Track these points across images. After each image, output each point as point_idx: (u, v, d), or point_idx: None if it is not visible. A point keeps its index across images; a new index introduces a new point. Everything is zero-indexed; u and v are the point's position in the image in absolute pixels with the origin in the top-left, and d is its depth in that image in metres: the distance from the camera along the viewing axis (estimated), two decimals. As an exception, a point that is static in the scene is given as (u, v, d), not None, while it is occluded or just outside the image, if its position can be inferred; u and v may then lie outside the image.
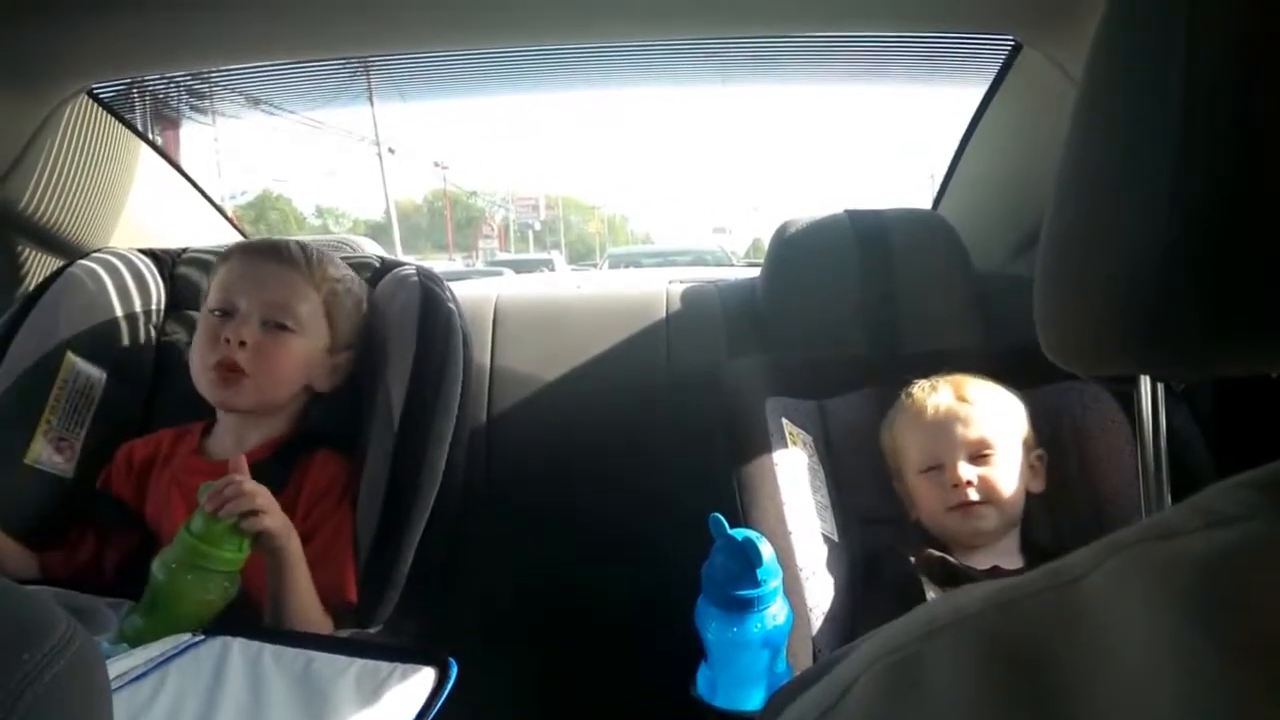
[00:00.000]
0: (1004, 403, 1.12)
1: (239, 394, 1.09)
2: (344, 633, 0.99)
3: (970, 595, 0.31)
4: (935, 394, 1.12)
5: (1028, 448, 1.12)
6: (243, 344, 1.08)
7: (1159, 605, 0.25)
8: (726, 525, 0.85)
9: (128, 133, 1.45)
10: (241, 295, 1.11)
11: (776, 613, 0.85)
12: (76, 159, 1.34)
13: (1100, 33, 0.37)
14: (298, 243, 1.18)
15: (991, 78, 1.40)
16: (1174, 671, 0.24)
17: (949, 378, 1.14)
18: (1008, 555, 1.07)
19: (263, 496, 0.94)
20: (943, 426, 1.09)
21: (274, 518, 0.94)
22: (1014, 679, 0.27)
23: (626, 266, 9.43)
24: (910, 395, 1.14)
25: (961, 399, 1.10)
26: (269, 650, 0.82)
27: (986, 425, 1.08)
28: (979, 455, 1.07)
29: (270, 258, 1.14)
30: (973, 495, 1.06)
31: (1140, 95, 0.33)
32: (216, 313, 1.12)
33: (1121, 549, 0.28)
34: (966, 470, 1.06)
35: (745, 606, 0.83)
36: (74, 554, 1.09)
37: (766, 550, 0.84)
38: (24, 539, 1.08)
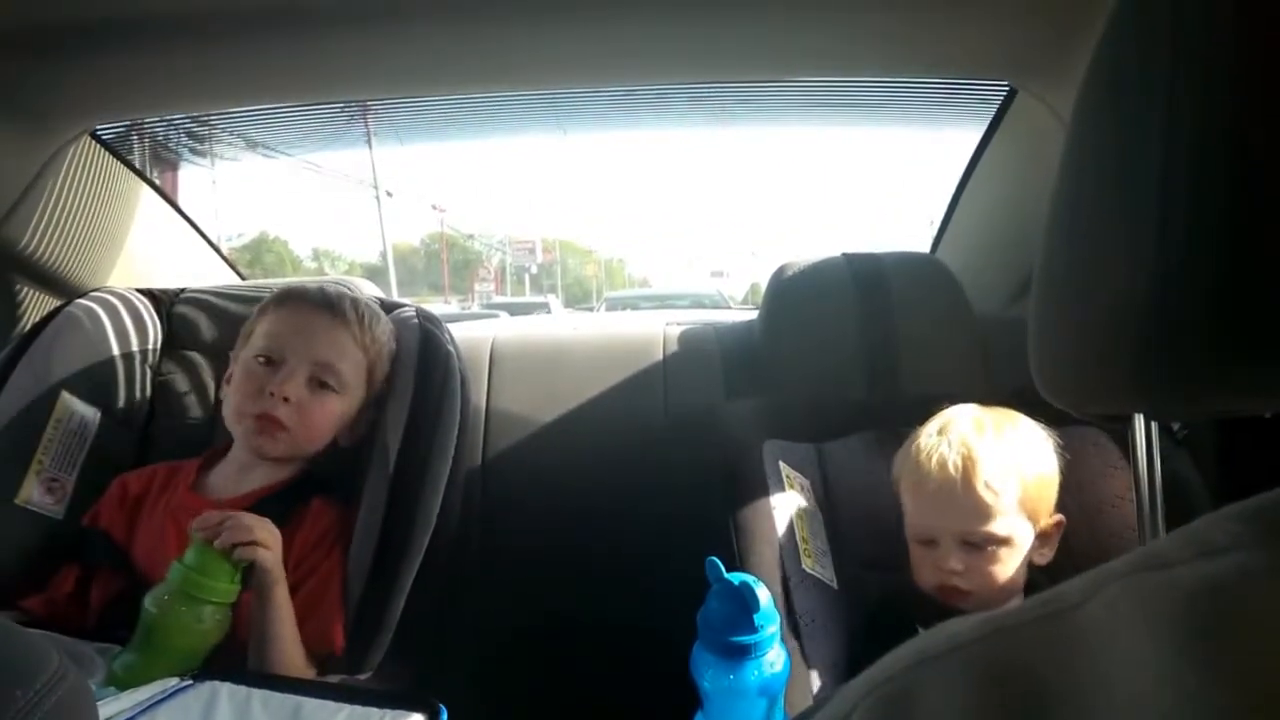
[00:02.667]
0: (1024, 468, 0.99)
1: (274, 445, 1.10)
2: (334, 678, 0.98)
3: (963, 624, 0.31)
4: (940, 458, 0.99)
5: (1043, 520, 1.01)
6: (286, 400, 1.08)
7: (1153, 635, 0.26)
8: (723, 569, 0.84)
9: (129, 173, 1.46)
10: (290, 347, 1.11)
11: (774, 660, 0.83)
12: (77, 199, 1.34)
13: (1088, 78, 0.38)
14: (351, 298, 1.17)
15: (987, 122, 1.41)
16: (1168, 700, 0.24)
17: (964, 423, 1.02)
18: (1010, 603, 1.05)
19: (261, 530, 0.94)
20: (945, 508, 0.99)
21: (269, 553, 0.94)
22: (1009, 707, 0.27)
23: (624, 310, 9.46)
24: (917, 445, 1.03)
25: (970, 484, 0.97)
26: (257, 695, 0.81)
27: (996, 521, 0.97)
28: (978, 545, 0.98)
29: (323, 311, 1.13)
30: (959, 584, 0.98)
31: (1126, 138, 0.34)
32: (262, 359, 1.11)
33: (1115, 578, 0.28)
34: (957, 559, 0.98)
35: (742, 653, 0.81)
36: (57, 595, 1.07)
37: (764, 595, 0.83)
38: (10, 581, 1.06)
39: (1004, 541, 0.97)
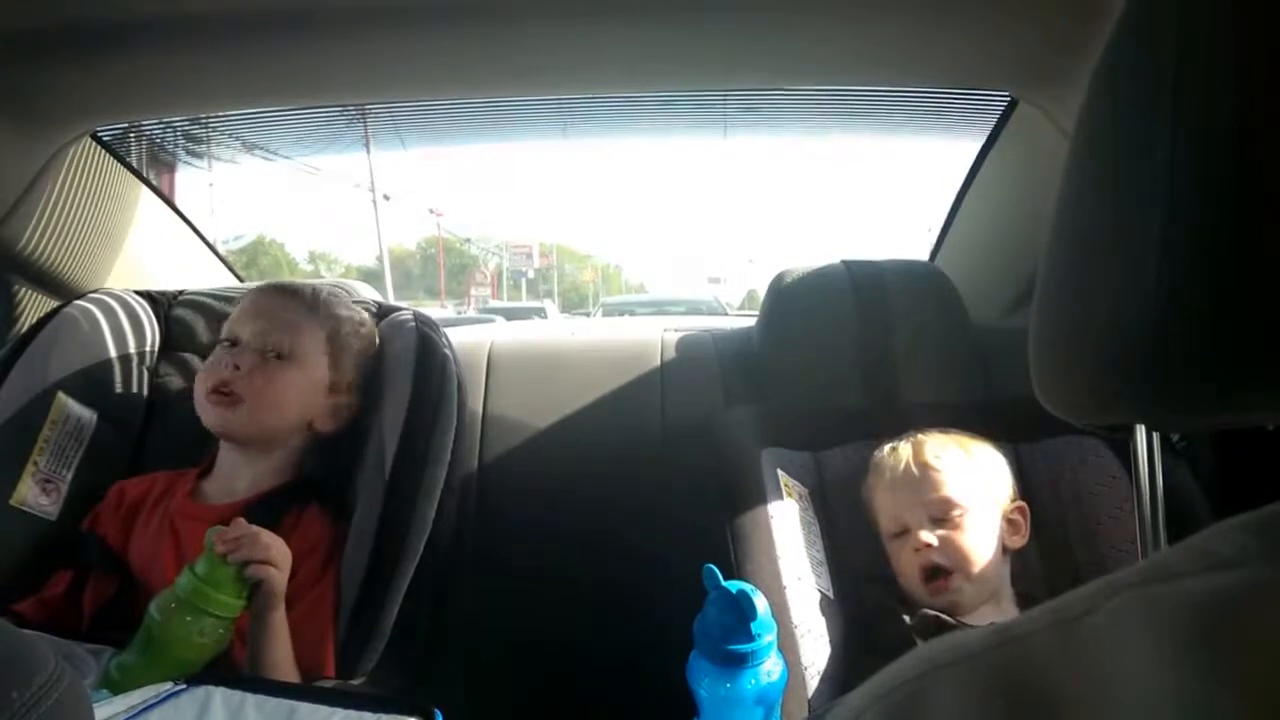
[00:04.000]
0: (971, 459, 1.10)
1: (234, 418, 1.09)
2: (328, 683, 0.97)
3: (970, 635, 0.31)
4: (895, 456, 1.11)
5: (1003, 503, 1.09)
6: (238, 368, 1.09)
7: (1160, 647, 0.26)
8: (720, 577, 0.84)
9: (128, 175, 1.46)
10: (245, 327, 1.13)
11: (771, 669, 0.83)
12: (77, 200, 1.34)
13: (1091, 89, 0.38)
14: (311, 286, 1.20)
15: (988, 131, 1.41)
16: (1176, 711, 0.24)
17: (913, 438, 1.12)
18: (1006, 613, 1.05)
19: (276, 550, 0.94)
20: (903, 489, 1.08)
21: (280, 575, 0.94)
22: (1017, 717, 0.27)
23: (620, 315, 9.43)
24: (875, 459, 1.14)
25: (921, 460, 1.08)
26: (251, 700, 0.80)
27: (949, 485, 1.06)
28: (942, 518, 1.06)
29: (279, 294, 1.17)
30: (936, 559, 1.04)
31: (1129, 148, 0.34)
32: (224, 343, 1.14)
33: (1122, 590, 0.28)
34: (928, 533, 1.05)
35: (739, 661, 0.81)
36: (49, 598, 1.07)
37: (761, 603, 0.82)
38: (3, 582, 1.06)
39: (964, 508, 1.06)
